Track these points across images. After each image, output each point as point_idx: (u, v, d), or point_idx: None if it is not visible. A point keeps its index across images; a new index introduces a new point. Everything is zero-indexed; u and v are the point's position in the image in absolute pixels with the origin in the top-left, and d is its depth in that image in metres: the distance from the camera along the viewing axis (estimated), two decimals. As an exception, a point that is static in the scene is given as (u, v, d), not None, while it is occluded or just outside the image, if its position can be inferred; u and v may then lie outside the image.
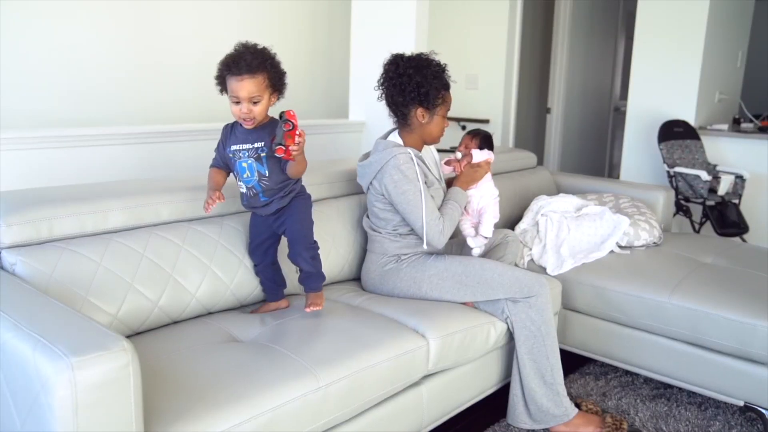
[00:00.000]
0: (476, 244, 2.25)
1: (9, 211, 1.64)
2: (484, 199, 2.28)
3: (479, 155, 2.28)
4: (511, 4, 4.73)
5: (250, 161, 1.80)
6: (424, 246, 2.10)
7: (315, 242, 1.93)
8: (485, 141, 2.37)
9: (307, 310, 1.85)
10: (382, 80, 2.14)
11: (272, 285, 2.00)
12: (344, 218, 2.32)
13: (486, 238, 2.27)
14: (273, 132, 1.77)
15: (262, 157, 1.79)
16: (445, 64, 2.14)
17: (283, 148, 1.66)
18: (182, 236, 1.88)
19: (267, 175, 1.81)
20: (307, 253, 1.88)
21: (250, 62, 1.70)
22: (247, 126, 1.78)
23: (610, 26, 5.90)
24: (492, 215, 2.28)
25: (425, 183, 2.08)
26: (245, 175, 1.82)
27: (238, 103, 1.73)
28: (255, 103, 1.73)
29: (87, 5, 3.32)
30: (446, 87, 2.13)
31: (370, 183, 2.13)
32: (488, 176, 2.31)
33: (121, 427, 1.19)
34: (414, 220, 2.06)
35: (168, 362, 1.55)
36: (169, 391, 1.41)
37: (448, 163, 2.34)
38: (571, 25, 5.33)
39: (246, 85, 1.70)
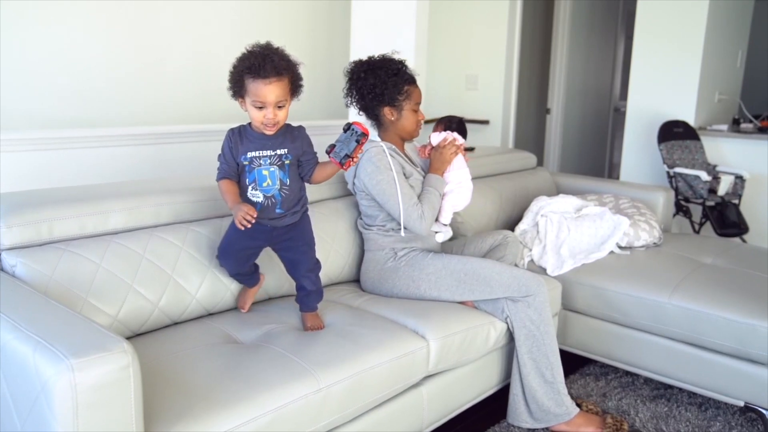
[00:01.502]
0: (433, 229, 2.22)
1: (9, 212, 1.63)
2: (450, 185, 2.22)
3: (435, 138, 2.26)
4: (511, 4, 4.72)
5: (272, 169, 1.70)
6: (402, 233, 2.12)
7: (318, 261, 1.91)
8: (449, 123, 2.39)
9: (308, 331, 1.82)
10: (346, 90, 2.17)
11: (250, 274, 1.91)
12: (343, 219, 2.32)
13: (444, 225, 2.22)
14: (293, 137, 1.73)
15: (285, 164, 1.72)
16: (404, 60, 2.16)
17: (350, 160, 1.67)
18: (182, 238, 1.88)
19: (288, 183, 1.73)
20: (312, 273, 1.87)
21: (278, 64, 1.61)
22: (270, 132, 1.68)
23: (610, 26, 5.89)
24: (451, 203, 2.20)
25: (403, 174, 2.12)
26: (265, 184, 1.71)
27: (261, 108, 1.63)
28: (280, 107, 1.65)
29: (87, 6, 3.32)
30: (408, 81, 2.14)
31: (354, 182, 2.18)
32: (461, 162, 2.23)
33: (121, 428, 1.19)
34: (392, 208, 2.09)
35: (168, 363, 1.55)
36: (170, 393, 1.41)
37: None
38: (571, 25, 5.33)
39: (274, 89, 1.61)
